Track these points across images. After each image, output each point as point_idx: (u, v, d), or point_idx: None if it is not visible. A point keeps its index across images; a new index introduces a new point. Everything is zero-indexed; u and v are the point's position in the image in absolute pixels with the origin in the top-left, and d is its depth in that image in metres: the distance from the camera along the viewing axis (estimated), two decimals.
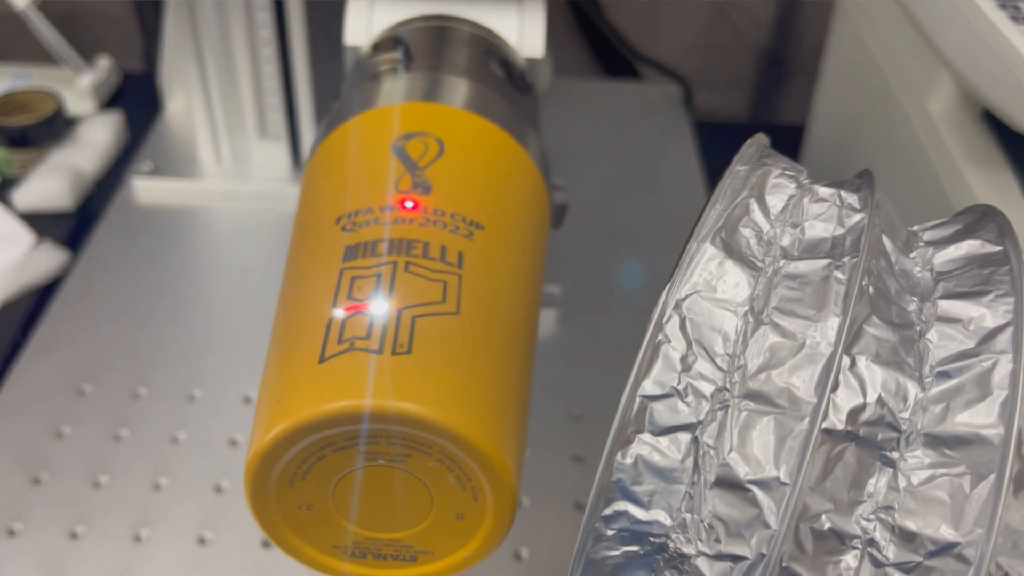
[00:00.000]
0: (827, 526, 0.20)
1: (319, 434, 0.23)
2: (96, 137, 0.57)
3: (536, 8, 0.40)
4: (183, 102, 0.58)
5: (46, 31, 0.58)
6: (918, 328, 0.22)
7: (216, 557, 0.36)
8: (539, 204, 0.33)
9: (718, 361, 0.21)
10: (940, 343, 0.22)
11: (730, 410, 0.21)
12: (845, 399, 0.20)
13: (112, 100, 0.63)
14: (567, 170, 0.42)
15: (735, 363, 0.21)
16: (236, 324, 0.46)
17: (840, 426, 0.20)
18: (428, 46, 0.37)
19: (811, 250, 0.23)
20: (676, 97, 0.65)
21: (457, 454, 0.24)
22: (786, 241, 0.23)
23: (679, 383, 0.21)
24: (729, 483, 0.20)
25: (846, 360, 0.21)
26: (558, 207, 0.37)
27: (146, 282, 0.48)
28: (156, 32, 0.56)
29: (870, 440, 0.20)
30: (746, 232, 0.23)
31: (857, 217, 0.23)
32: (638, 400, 0.21)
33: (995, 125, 0.38)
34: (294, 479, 0.24)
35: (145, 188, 0.53)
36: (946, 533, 0.20)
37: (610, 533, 0.21)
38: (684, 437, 0.21)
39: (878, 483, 0.20)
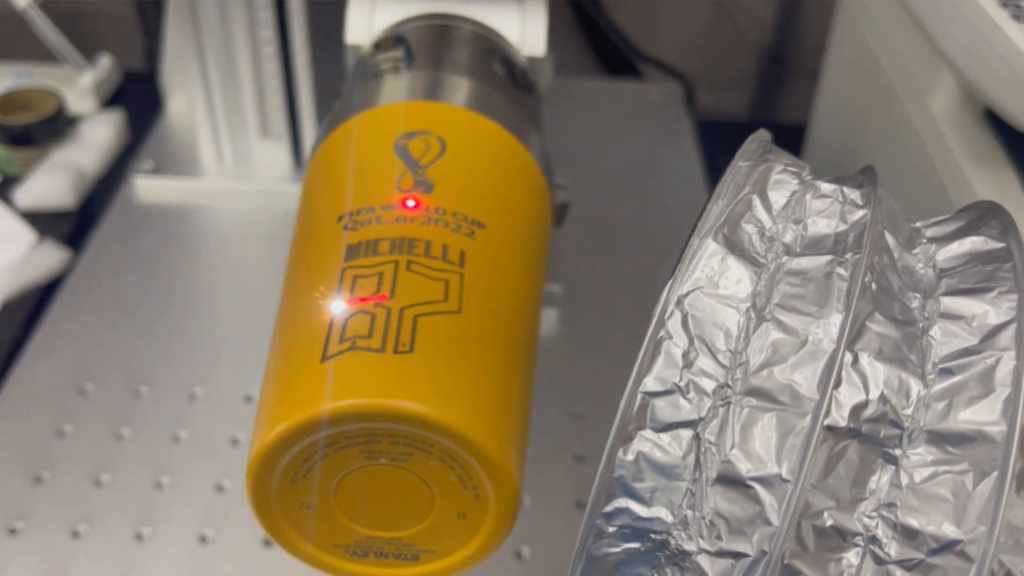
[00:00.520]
0: (829, 523, 0.20)
1: (321, 433, 0.23)
2: (97, 136, 0.57)
3: (538, 7, 0.40)
4: (184, 101, 0.58)
5: (47, 30, 0.58)
6: (921, 325, 0.22)
7: (217, 556, 0.36)
8: (541, 203, 0.33)
9: (720, 357, 0.21)
10: (943, 340, 0.22)
11: (732, 407, 0.21)
12: (847, 396, 0.20)
13: (113, 99, 0.63)
14: (568, 169, 0.42)
15: (737, 359, 0.21)
16: (237, 323, 0.46)
17: (842, 423, 0.20)
18: (430, 45, 0.37)
19: (814, 246, 0.23)
20: (677, 96, 0.65)
21: (459, 453, 0.24)
22: (788, 237, 0.23)
23: (681, 379, 0.21)
24: (731, 480, 0.20)
25: (848, 357, 0.21)
26: (560, 206, 0.37)
27: (147, 281, 0.48)
28: (157, 31, 0.56)
29: (872, 437, 0.20)
30: (748, 228, 0.23)
31: (860, 213, 0.23)
32: (639, 396, 0.21)
33: (997, 124, 0.38)
34: (296, 478, 0.24)
35: (146, 187, 0.53)
36: (948, 530, 0.19)
37: (611, 530, 0.21)
38: (686, 434, 0.21)
39: (880, 480, 0.20)
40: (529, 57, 0.40)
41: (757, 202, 0.24)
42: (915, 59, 0.43)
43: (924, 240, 0.24)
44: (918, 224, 0.25)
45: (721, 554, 0.20)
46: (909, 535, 0.20)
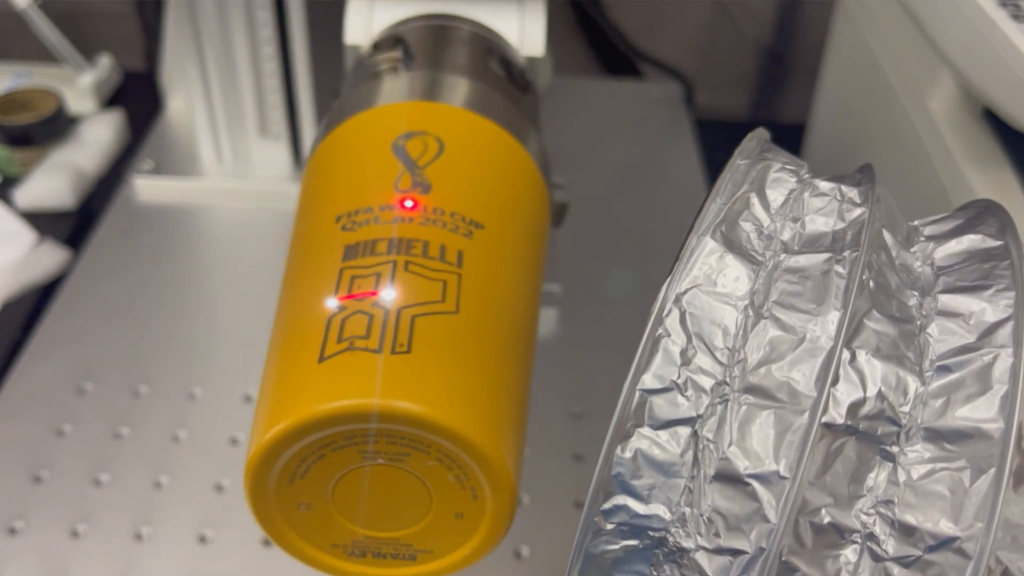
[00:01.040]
0: (827, 520, 0.20)
1: (318, 433, 0.23)
2: (97, 136, 0.57)
3: (536, 7, 0.40)
4: (184, 101, 0.58)
5: (47, 30, 0.58)
6: (918, 322, 0.22)
7: (217, 555, 0.36)
8: (539, 203, 0.33)
9: (718, 355, 0.21)
10: (940, 337, 0.22)
11: (730, 404, 0.21)
12: (845, 393, 0.20)
13: (113, 99, 0.63)
14: (567, 169, 0.42)
15: (735, 357, 0.21)
16: (237, 322, 0.46)
17: (840, 420, 0.20)
18: (428, 45, 0.37)
19: (811, 244, 0.23)
20: (677, 95, 0.65)
21: (456, 453, 0.24)
22: (786, 235, 0.23)
23: (679, 377, 0.21)
24: (729, 477, 0.20)
25: (846, 354, 0.21)
26: (558, 206, 0.37)
27: (147, 281, 0.48)
28: (157, 31, 0.56)
29: (870, 434, 0.20)
30: (746, 226, 0.23)
31: (858, 211, 0.23)
32: (637, 394, 0.21)
33: (996, 123, 0.38)
34: (294, 478, 0.24)
35: (146, 187, 0.53)
36: (946, 527, 0.19)
37: (609, 527, 0.21)
38: (684, 431, 0.21)
39: (878, 477, 0.20)
40: (528, 57, 0.40)
41: (755, 200, 0.24)
42: (914, 58, 0.43)
43: (922, 238, 0.24)
44: (916, 222, 0.25)
45: (719, 551, 0.20)
46: (907, 532, 0.20)
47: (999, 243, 0.23)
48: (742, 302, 0.22)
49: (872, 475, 0.20)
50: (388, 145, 0.30)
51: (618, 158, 0.59)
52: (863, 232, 0.23)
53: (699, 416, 0.21)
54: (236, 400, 0.42)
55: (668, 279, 0.22)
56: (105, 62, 0.62)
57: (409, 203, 0.28)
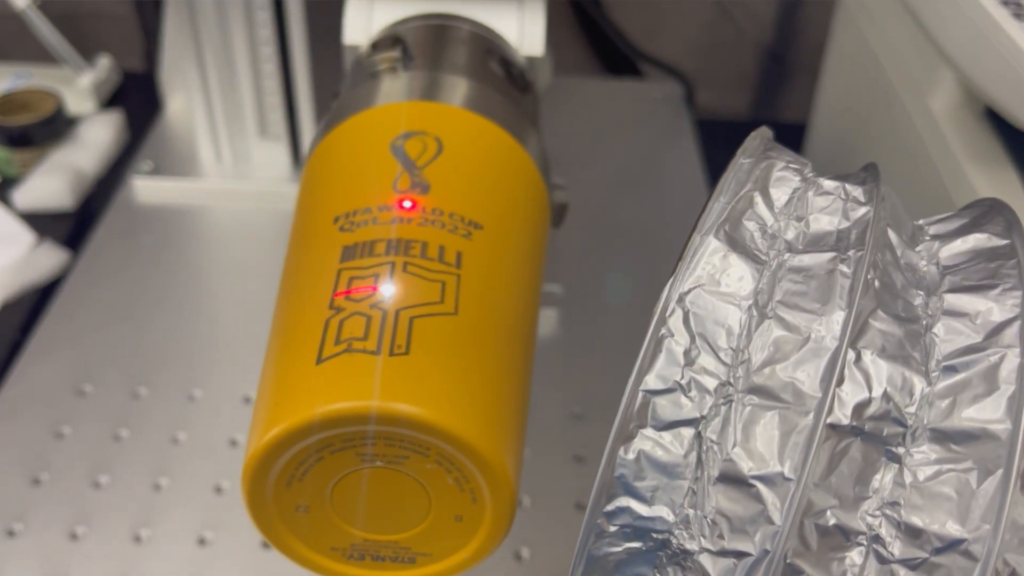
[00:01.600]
0: (832, 522, 0.20)
1: (316, 436, 0.23)
2: (96, 137, 0.57)
3: (536, 6, 0.40)
4: (183, 101, 0.58)
5: (46, 30, 0.58)
6: (924, 322, 0.22)
7: (216, 557, 0.36)
8: (539, 203, 0.33)
9: (722, 355, 0.21)
10: (946, 337, 0.21)
11: (734, 405, 0.20)
12: (850, 394, 0.20)
13: (112, 99, 0.63)
14: (567, 169, 0.42)
15: (739, 357, 0.21)
16: (236, 324, 0.46)
17: (845, 421, 0.20)
18: (427, 45, 0.37)
19: (816, 243, 0.23)
20: (678, 95, 0.64)
21: (455, 456, 0.23)
22: (790, 234, 0.23)
23: (682, 377, 0.21)
24: (733, 479, 0.20)
25: (851, 354, 0.20)
26: (558, 206, 0.37)
27: (146, 282, 0.48)
28: (156, 31, 0.56)
29: (875, 435, 0.20)
30: (750, 225, 0.23)
31: (862, 210, 0.23)
32: (640, 395, 0.21)
33: (997, 122, 0.38)
34: (292, 481, 0.24)
35: (145, 188, 0.53)
36: (953, 529, 0.19)
37: (612, 529, 0.21)
38: (687, 432, 0.21)
39: (884, 479, 0.20)
40: (528, 57, 0.40)
41: (759, 199, 0.24)
42: (915, 57, 0.42)
43: (927, 237, 0.24)
44: (921, 221, 0.25)
45: (723, 553, 0.20)
46: (913, 534, 0.20)
47: (1005, 242, 0.23)
48: (746, 302, 0.22)
49: (878, 476, 0.20)
50: (387, 145, 0.30)
51: (618, 158, 0.59)
52: (868, 231, 0.22)
53: (703, 417, 0.21)
54: (236, 402, 0.42)
55: (671, 279, 0.22)
56: (104, 63, 0.62)
57: (408, 203, 0.28)
